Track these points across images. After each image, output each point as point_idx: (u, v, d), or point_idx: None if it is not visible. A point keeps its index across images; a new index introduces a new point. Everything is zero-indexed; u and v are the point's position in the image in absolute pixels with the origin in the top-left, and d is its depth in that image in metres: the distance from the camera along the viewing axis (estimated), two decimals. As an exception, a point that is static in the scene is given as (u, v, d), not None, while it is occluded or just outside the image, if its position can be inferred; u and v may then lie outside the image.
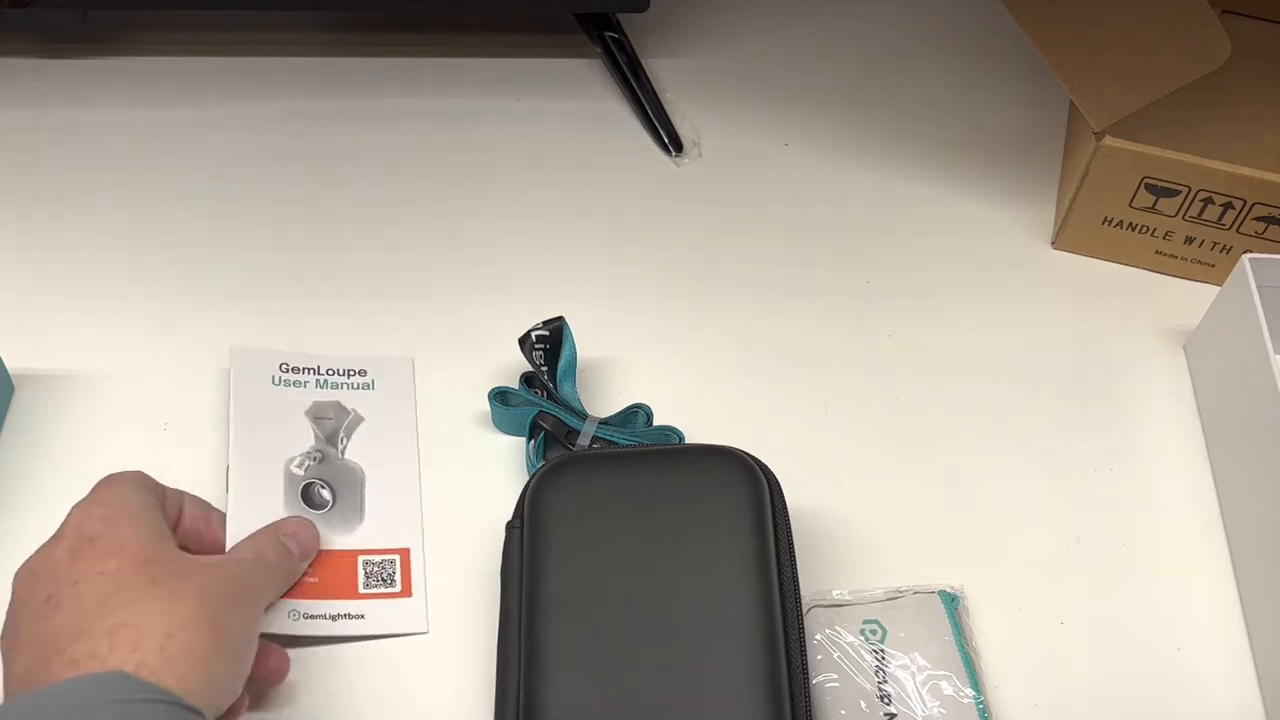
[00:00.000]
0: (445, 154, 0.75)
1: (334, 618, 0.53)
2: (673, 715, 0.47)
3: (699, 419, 0.62)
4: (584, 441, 0.59)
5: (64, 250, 0.69)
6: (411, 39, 0.82)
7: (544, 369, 0.61)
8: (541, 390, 0.62)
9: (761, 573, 0.51)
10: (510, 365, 0.63)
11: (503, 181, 0.74)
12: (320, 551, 0.55)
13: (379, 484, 0.58)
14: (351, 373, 0.61)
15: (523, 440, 0.61)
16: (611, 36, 0.79)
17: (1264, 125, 0.76)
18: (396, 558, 0.56)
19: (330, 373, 0.61)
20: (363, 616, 0.54)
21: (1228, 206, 0.66)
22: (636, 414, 0.61)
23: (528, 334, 0.61)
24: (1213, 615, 0.57)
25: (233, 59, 0.80)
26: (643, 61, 0.79)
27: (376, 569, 0.55)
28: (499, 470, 0.61)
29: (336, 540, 0.55)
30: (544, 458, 0.59)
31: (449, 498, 0.60)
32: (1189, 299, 0.69)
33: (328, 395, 0.60)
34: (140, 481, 0.49)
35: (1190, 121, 0.72)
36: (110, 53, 0.79)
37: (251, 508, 0.54)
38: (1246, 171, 0.64)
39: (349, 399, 0.60)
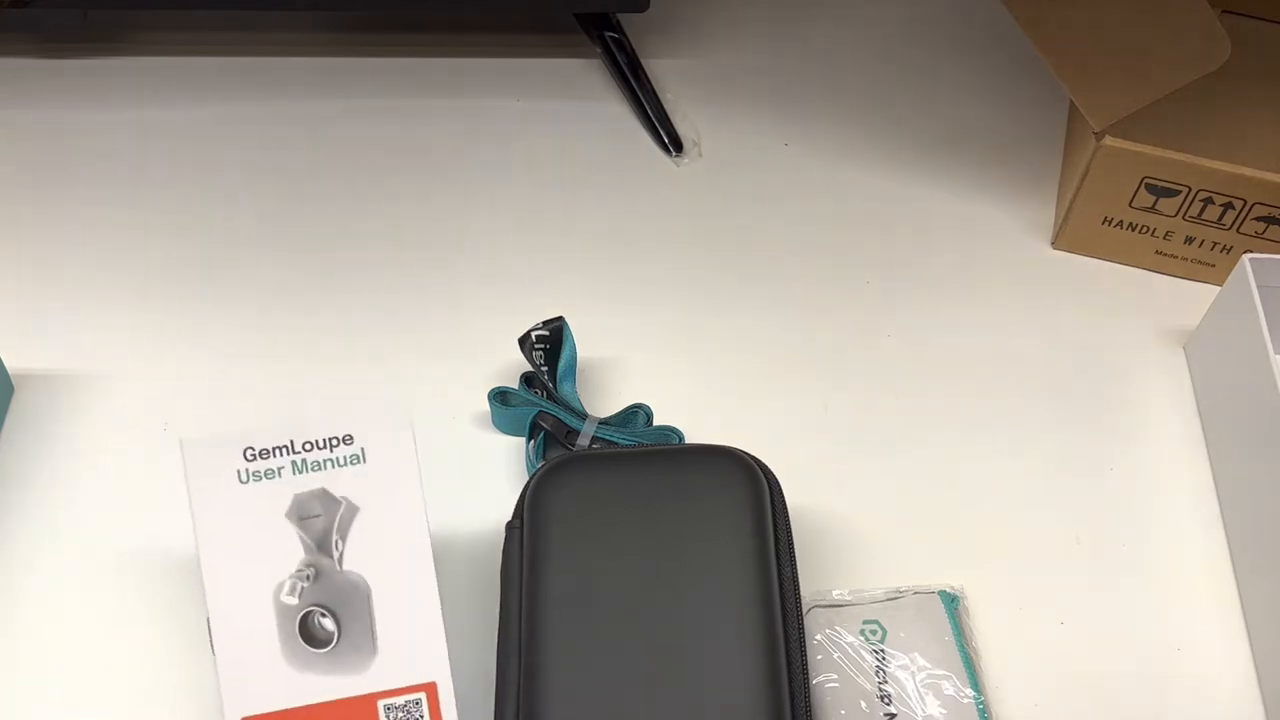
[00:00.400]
0: (445, 154, 0.75)
1: None
2: (672, 715, 0.47)
3: (699, 419, 0.62)
4: (584, 441, 0.59)
5: (64, 250, 0.69)
6: (411, 39, 0.82)
7: (544, 369, 0.61)
8: (541, 390, 0.62)
9: (761, 573, 0.51)
10: (510, 365, 0.63)
11: (503, 181, 0.74)
12: (332, 703, 0.47)
13: (389, 597, 0.48)
14: (335, 443, 0.49)
15: (523, 440, 0.61)
16: (611, 36, 0.79)
17: (1264, 125, 0.76)
18: (423, 696, 0.48)
19: (308, 448, 0.49)
20: None
21: (1228, 206, 0.66)
22: (636, 414, 0.61)
23: (528, 334, 0.61)
24: (1213, 615, 0.57)
25: (233, 59, 0.80)
26: (643, 61, 0.79)
27: (401, 714, 0.47)
28: (499, 470, 0.61)
29: (348, 684, 0.47)
30: (544, 458, 0.59)
31: (449, 498, 0.60)
32: (1189, 299, 0.69)
33: (310, 482, 0.49)
34: None
35: (1190, 121, 0.72)
36: (110, 53, 0.79)
37: (248, 670, 0.47)
38: (1246, 171, 0.64)
39: (336, 483, 0.49)
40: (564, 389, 0.61)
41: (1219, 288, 0.64)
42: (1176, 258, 0.70)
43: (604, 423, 0.60)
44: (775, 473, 0.55)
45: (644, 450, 0.57)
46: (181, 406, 0.62)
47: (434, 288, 0.68)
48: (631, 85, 0.78)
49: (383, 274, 0.69)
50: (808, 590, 0.55)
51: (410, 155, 0.75)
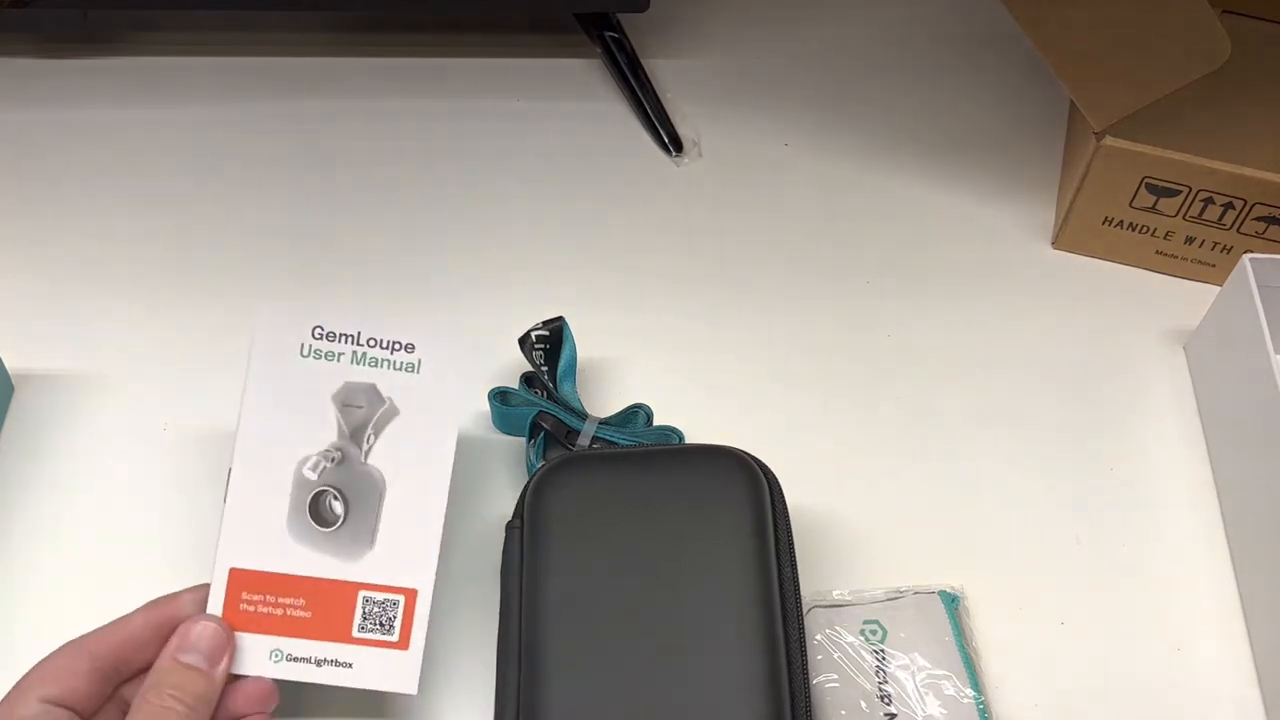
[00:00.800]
0: (445, 154, 0.75)
1: (319, 663, 0.49)
2: (673, 716, 0.47)
3: (699, 419, 0.62)
4: (584, 441, 0.59)
5: (64, 250, 0.69)
6: (411, 39, 0.82)
7: (544, 369, 0.61)
8: (541, 390, 0.62)
9: (761, 573, 0.51)
10: (510, 365, 0.63)
11: (503, 181, 0.74)
12: (316, 580, 0.49)
13: (399, 501, 0.50)
14: (396, 347, 0.51)
15: (523, 440, 0.61)
16: (611, 36, 0.79)
17: (1264, 125, 0.76)
18: (401, 599, 0.49)
19: (372, 344, 0.51)
20: (350, 665, 0.49)
21: (1228, 206, 0.66)
22: (636, 414, 0.61)
23: (528, 334, 0.61)
24: (1213, 615, 0.57)
25: (233, 59, 0.80)
26: (643, 61, 0.79)
27: (376, 610, 0.49)
28: (499, 470, 0.61)
29: (338, 568, 0.49)
30: (544, 458, 0.59)
31: (449, 497, 0.59)
32: (1189, 299, 0.69)
33: (363, 375, 0.51)
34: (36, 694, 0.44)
35: (1190, 121, 0.72)
36: (110, 53, 0.79)
37: (251, 527, 0.49)
38: (1247, 171, 0.64)
39: (387, 383, 0.51)
40: (564, 389, 0.61)
41: (1219, 288, 0.64)
42: (1177, 258, 0.70)
43: (604, 423, 0.60)
44: (775, 473, 0.55)
45: (644, 450, 0.57)
46: (182, 406, 0.62)
47: (433, 288, 0.68)
48: (631, 85, 0.78)
49: (382, 274, 0.69)
50: (808, 590, 0.55)
51: (410, 155, 0.75)
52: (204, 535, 0.57)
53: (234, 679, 0.48)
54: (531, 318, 0.62)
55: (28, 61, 0.78)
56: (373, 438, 0.51)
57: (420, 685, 0.53)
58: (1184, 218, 0.68)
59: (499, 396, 0.61)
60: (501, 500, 0.58)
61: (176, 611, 0.48)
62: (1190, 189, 0.66)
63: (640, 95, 0.78)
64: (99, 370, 0.63)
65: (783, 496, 0.54)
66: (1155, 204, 0.68)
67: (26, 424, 0.61)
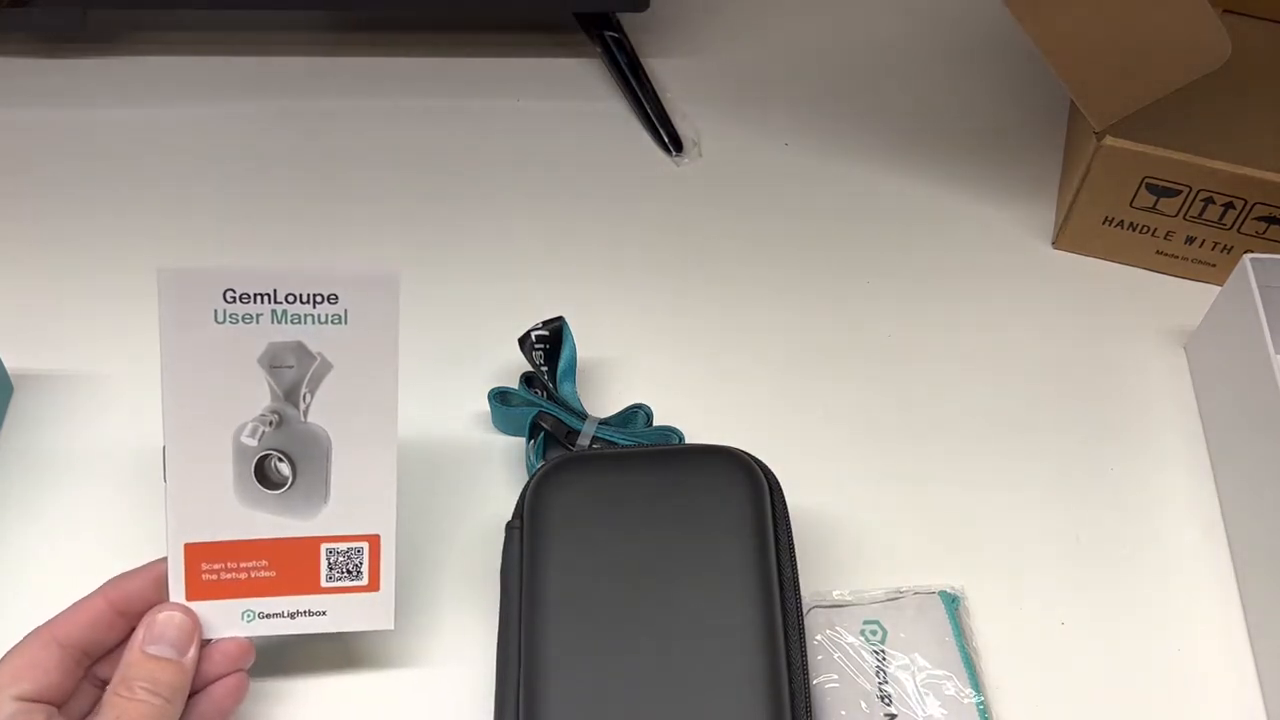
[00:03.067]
0: (445, 154, 0.75)
1: (293, 615, 0.49)
2: (673, 716, 0.47)
3: (699, 419, 0.62)
4: (584, 441, 0.59)
5: (64, 250, 0.69)
6: (411, 39, 0.82)
7: (544, 369, 0.61)
8: (541, 390, 0.62)
9: (761, 573, 0.51)
10: (510, 365, 0.63)
11: (503, 181, 0.74)
12: (276, 540, 0.49)
13: (348, 454, 0.49)
14: (318, 299, 0.48)
15: (523, 440, 0.61)
16: (611, 36, 0.79)
17: (1264, 125, 0.76)
18: (365, 546, 0.50)
19: (290, 299, 0.47)
20: (324, 613, 0.50)
21: (1229, 206, 0.66)
22: (636, 414, 0.61)
23: (528, 334, 0.61)
24: (1213, 615, 0.57)
25: (233, 59, 0.80)
26: (643, 61, 0.79)
27: (341, 559, 0.49)
28: (499, 470, 0.61)
29: (296, 526, 0.49)
30: (544, 458, 0.59)
31: (449, 498, 0.60)
32: (1189, 299, 0.69)
33: (287, 333, 0.48)
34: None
35: (1190, 121, 0.72)
36: (110, 53, 0.79)
37: (198, 501, 0.48)
38: (1247, 171, 0.64)
39: (314, 338, 0.48)
40: (564, 389, 0.61)
41: (1219, 288, 0.64)
42: (1177, 258, 0.70)
43: (604, 423, 0.60)
44: (775, 473, 0.55)
45: (644, 450, 0.57)
46: (181, 406, 0.62)
47: (433, 287, 0.68)
48: (631, 85, 0.78)
49: (383, 274, 0.69)
50: (808, 590, 0.55)
51: (410, 155, 0.75)
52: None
53: (209, 641, 0.48)
54: (531, 318, 0.62)
55: (28, 61, 0.78)
56: (309, 396, 0.49)
57: (420, 685, 0.53)
58: (1184, 218, 0.68)
59: (499, 396, 0.61)
60: (501, 500, 0.58)
61: (137, 590, 0.48)
62: (1190, 189, 0.66)
63: (640, 95, 0.78)
64: (99, 370, 0.63)
65: (783, 496, 0.54)
66: (1155, 204, 0.68)
67: (26, 424, 0.61)
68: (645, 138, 0.77)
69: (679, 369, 0.65)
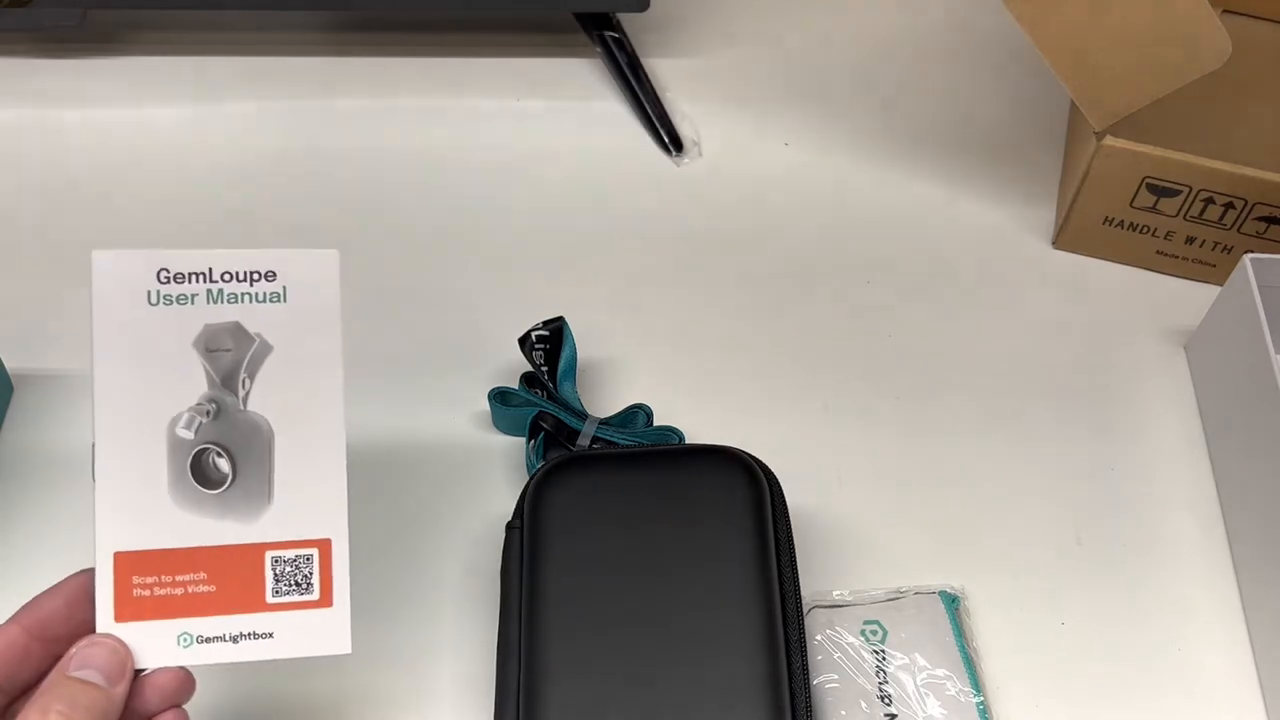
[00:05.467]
0: (445, 154, 0.75)
1: (235, 639, 0.44)
2: (673, 716, 0.47)
3: (699, 419, 0.62)
4: (584, 441, 0.59)
5: (63, 250, 0.69)
6: (411, 39, 0.82)
7: (544, 369, 0.61)
8: (541, 390, 0.62)
9: (761, 573, 0.51)
10: (510, 365, 0.63)
11: (503, 181, 0.74)
12: (215, 548, 0.44)
13: (292, 446, 0.45)
14: (256, 277, 0.45)
15: (523, 440, 0.61)
16: (611, 36, 0.79)
17: (1264, 125, 0.76)
18: (314, 553, 0.44)
19: (226, 278, 0.45)
20: (271, 635, 0.44)
21: (1229, 206, 0.66)
22: (636, 414, 0.61)
23: (528, 334, 0.61)
24: (1213, 615, 0.57)
25: (233, 59, 0.80)
26: (643, 61, 0.79)
27: (289, 570, 0.44)
28: (499, 470, 0.61)
29: (235, 531, 0.44)
30: (544, 458, 0.59)
31: (448, 498, 0.60)
32: (1189, 299, 0.69)
33: (223, 314, 0.45)
34: None
35: (1190, 121, 0.72)
36: (110, 53, 0.79)
37: (129, 504, 0.44)
38: (1247, 171, 0.64)
39: (252, 318, 0.45)
40: (564, 389, 0.61)
41: (1219, 288, 0.64)
42: (1177, 258, 0.70)
43: (604, 423, 0.60)
44: (775, 473, 0.55)
45: (644, 450, 0.57)
46: (181, 406, 0.62)
47: (433, 288, 0.68)
48: (631, 85, 0.78)
49: (382, 274, 0.69)
50: (808, 590, 0.55)
51: (410, 155, 0.75)
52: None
53: (140, 672, 0.43)
54: (531, 318, 0.62)
55: (28, 61, 0.78)
56: (248, 381, 0.45)
57: (420, 685, 0.53)
58: (1184, 218, 0.68)
59: (499, 396, 0.61)
60: (501, 500, 0.58)
61: (55, 611, 0.42)
62: (1190, 189, 0.66)
63: (640, 95, 0.78)
64: (99, 370, 0.63)
65: (783, 496, 0.54)
66: (1155, 204, 0.68)
67: (26, 424, 0.61)
68: (645, 138, 0.77)
69: (679, 369, 0.65)
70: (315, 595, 0.44)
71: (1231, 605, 0.58)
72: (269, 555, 0.44)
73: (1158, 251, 0.70)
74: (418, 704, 0.53)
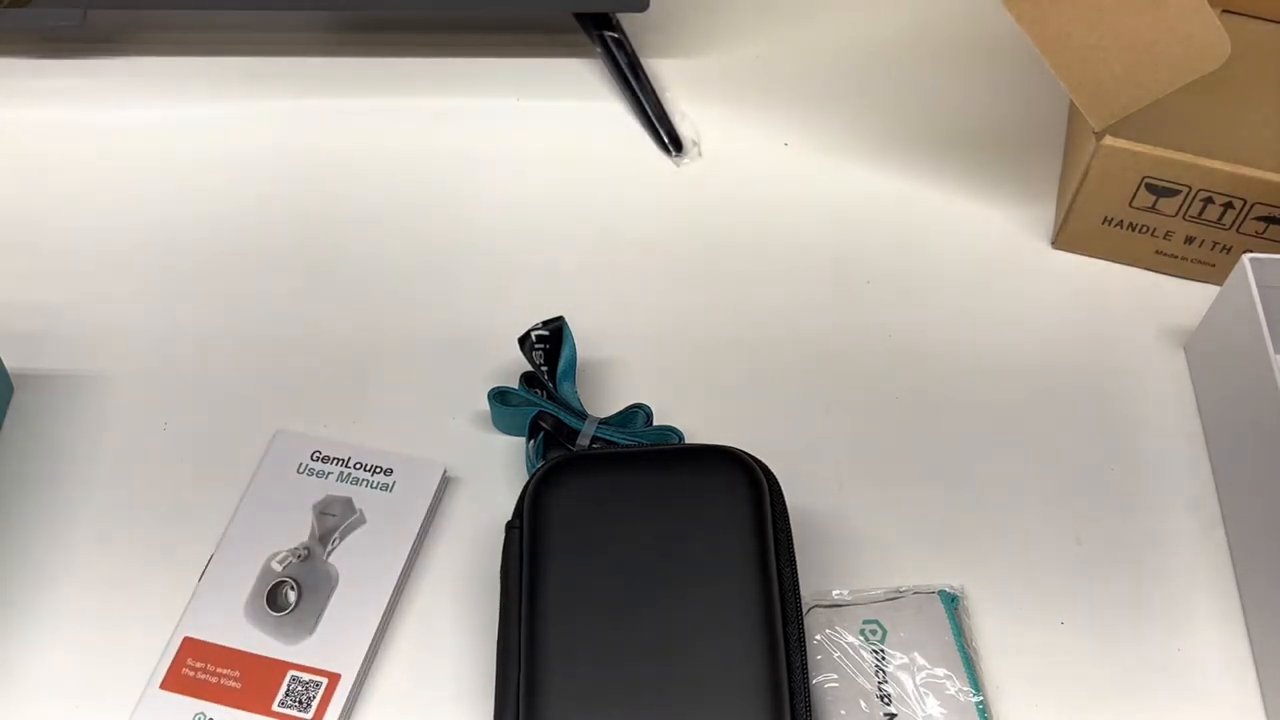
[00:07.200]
0: (445, 154, 0.75)
1: None
2: (672, 715, 0.47)
3: (699, 419, 0.62)
4: (584, 441, 0.59)
5: (63, 250, 0.69)
6: (411, 39, 0.82)
7: (544, 369, 0.61)
8: (541, 390, 0.62)
9: (761, 573, 0.51)
10: (510, 365, 0.63)
11: (503, 181, 0.74)
12: (254, 656, 0.53)
13: (348, 595, 0.55)
14: (377, 470, 0.59)
15: (523, 440, 0.61)
16: (611, 36, 0.79)
17: (1264, 125, 0.76)
18: (324, 682, 0.53)
19: (357, 466, 0.59)
20: None
21: (1228, 206, 0.66)
22: (636, 414, 0.61)
23: (528, 334, 0.61)
24: (1213, 615, 0.57)
25: (233, 59, 0.80)
26: (643, 61, 0.79)
27: (299, 689, 0.52)
28: (499, 470, 0.61)
29: (276, 648, 0.53)
30: (544, 458, 0.59)
31: (448, 498, 0.60)
32: (1189, 299, 0.69)
33: (343, 490, 0.58)
34: None
35: (1190, 121, 0.72)
36: (110, 53, 0.79)
37: (217, 602, 0.54)
38: (1247, 171, 0.64)
39: (362, 498, 0.58)
40: (564, 389, 0.61)
41: (1219, 288, 0.64)
42: (1176, 258, 0.70)
43: (604, 423, 0.60)
44: (775, 473, 0.55)
45: (644, 450, 0.57)
46: (181, 406, 0.62)
47: (434, 288, 0.68)
48: (631, 85, 0.78)
49: (382, 274, 0.69)
50: (808, 590, 0.55)
51: (410, 155, 0.75)
52: (204, 535, 0.57)
53: None
54: (531, 318, 0.62)
55: (28, 61, 0.78)
56: (338, 540, 0.57)
57: (420, 685, 0.53)
58: (1184, 218, 0.68)
59: (499, 396, 0.61)
60: (501, 500, 0.58)
61: None
62: (1190, 189, 0.66)
63: (640, 95, 0.78)
64: (99, 370, 0.63)
65: (783, 496, 0.54)
66: (1155, 204, 0.68)
67: (26, 424, 0.61)
68: (645, 138, 0.77)
69: (679, 369, 0.65)
70: (309, 715, 0.52)
71: (1231, 605, 0.58)
72: (290, 673, 0.53)
73: (1157, 251, 0.70)
74: (418, 704, 0.53)
